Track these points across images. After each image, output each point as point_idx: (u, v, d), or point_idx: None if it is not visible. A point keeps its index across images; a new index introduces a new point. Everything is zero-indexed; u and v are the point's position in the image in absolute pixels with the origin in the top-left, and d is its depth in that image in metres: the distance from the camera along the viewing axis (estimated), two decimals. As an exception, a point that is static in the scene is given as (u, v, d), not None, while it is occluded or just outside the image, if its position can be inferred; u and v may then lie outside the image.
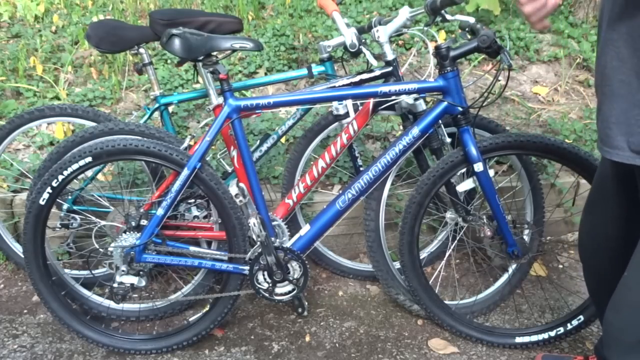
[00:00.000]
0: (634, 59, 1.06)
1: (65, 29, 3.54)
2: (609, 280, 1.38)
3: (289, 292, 1.94)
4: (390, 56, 2.01)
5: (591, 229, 1.49)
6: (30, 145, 2.77)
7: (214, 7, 3.43)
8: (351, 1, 3.46)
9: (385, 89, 1.82)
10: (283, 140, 2.63)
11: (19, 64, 3.11)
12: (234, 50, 1.79)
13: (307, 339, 2.05)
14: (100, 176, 2.48)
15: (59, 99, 2.99)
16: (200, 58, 1.79)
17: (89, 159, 1.77)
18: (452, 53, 1.77)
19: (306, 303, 2.17)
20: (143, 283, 1.86)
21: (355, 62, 3.06)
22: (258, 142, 2.26)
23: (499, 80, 1.80)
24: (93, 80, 3.14)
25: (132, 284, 1.86)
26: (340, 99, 1.87)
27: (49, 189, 1.79)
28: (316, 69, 2.20)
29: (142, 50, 2.14)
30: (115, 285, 1.87)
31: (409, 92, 1.83)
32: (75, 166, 1.78)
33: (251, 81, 2.32)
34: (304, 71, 2.23)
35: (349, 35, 2.01)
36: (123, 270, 1.86)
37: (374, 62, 2.01)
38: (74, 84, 3.14)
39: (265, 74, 3.04)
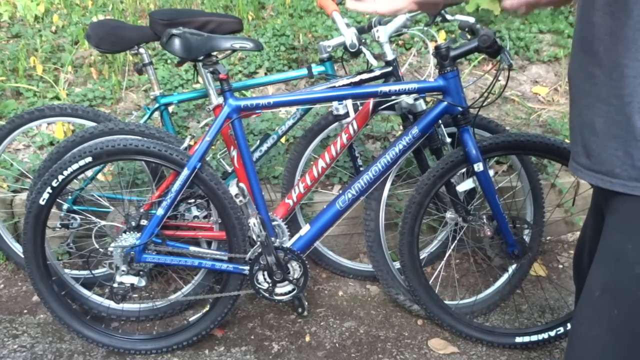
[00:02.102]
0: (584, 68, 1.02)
1: (65, 29, 3.54)
2: None
3: (289, 292, 1.94)
4: (390, 56, 2.01)
5: (582, 246, 1.36)
6: (30, 145, 2.77)
7: (213, 7, 3.43)
8: (351, 1, 3.46)
9: (385, 88, 1.82)
10: (283, 140, 2.63)
11: (19, 64, 3.11)
12: (234, 50, 1.79)
13: (307, 339, 2.05)
14: (100, 176, 2.48)
15: (59, 99, 2.99)
16: (201, 58, 1.79)
17: (89, 159, 1.77)
18: (452, 53, 1.77)
19: (306, 303, 2.17)
20: (143, 283, 1.86)
21: (355, 62, 3.06)
22: (258, 142, 2.26)
23: (499, 80, 1.80)
24: (93, 80, 3.14)
25: (132, 284, 1.86)
26: (340, 99, 1.88)
27: (49, 189, 1.79)
28: (316, 69, 2.20)
29: (142, 50, 2.14)
30: (115, 285, 1.87)
31: (409, 92, 1.83)
32: (75, 166, 1.78)
33: (251, 81, 2.32)
34: (304, 71, 2.22)
35: (349, 35, 2.01)
36: (123, 270, 1.86)
37: (373, 62, 2.01)
38: (74, 84, 3.14)
39: (265, 74, 3.04)
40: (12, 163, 2.58)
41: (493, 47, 1.69)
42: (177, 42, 1.78)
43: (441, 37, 3.14)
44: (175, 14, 2.12)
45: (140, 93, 3.03)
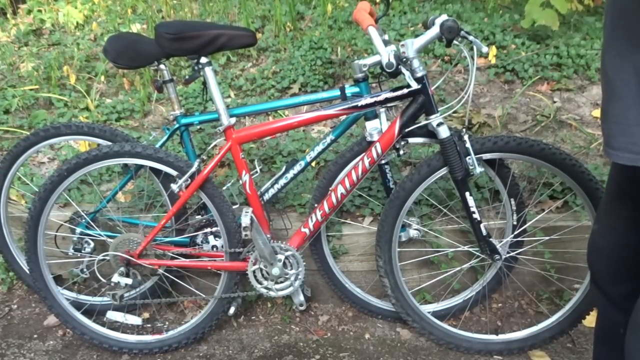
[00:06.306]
0: (633, 56, 1.03)
1: (103, 37, 3.47)
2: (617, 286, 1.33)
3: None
4: (419, 73, 1.80)
5: (601, 236, 1.38)
6: (55, 158, 2.70)
7: (250, 17, 3.28)
8: (395, 13, 3.23)
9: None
10: (313, 163, 2.42)
11: (52, 73, 3.05)
12: None
13: (326, 390, 1.86)
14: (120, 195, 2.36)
15: (89, 110, 2.91)
16: None
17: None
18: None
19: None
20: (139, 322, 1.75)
21: (398, 81, 2.83)
22: (283, 169, 2.07)
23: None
24: (124, 90, 3.05)
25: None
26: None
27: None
28: (350, 90, 1.98)
29: (162, 66, 1.99)
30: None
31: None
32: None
33: (257, 106, 2.09)
34: (336, 92, 2.00)
35: (385, 54, 1.79)
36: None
37: (414, 85, 1.80)
38: (105, 94, 3.07)
39: (300, 89, 2.86)
40: (32, 178, 2.50)
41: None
42: None
43: (492, 52, 2.88)
44: (183, 27, 1.89)
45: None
